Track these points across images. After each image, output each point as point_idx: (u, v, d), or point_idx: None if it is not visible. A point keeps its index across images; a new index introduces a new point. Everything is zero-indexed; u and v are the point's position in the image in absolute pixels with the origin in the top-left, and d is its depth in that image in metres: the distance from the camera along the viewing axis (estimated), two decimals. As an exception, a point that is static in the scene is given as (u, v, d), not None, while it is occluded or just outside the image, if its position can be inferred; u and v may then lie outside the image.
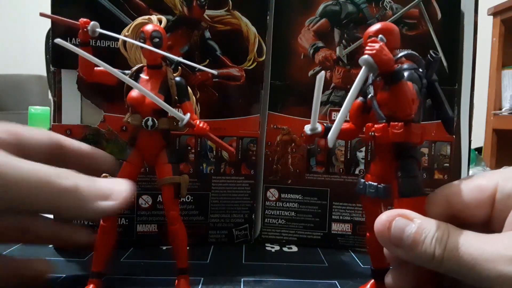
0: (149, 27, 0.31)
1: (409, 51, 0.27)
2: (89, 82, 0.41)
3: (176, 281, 0.33)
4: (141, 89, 0.29)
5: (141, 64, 0.32)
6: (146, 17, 0.33)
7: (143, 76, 0.31)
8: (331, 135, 0.25)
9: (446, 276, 0.25)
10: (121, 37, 0.32)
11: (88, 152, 0.34)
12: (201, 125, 0.32)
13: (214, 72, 0.33)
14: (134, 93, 0.30)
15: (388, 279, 0.27)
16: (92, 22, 0.31)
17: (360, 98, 0.29)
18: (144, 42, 0.30)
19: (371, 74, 0.26)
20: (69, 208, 0.26)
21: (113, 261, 0.39)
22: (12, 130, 0.28)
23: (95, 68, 0.30)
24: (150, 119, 0.30)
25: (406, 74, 0.26)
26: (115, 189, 0.27)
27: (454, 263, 0.22)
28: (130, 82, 0.29)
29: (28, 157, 0.26)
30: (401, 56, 0.26)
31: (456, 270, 0.22)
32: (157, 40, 0.30)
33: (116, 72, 0.28)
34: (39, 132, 0.30)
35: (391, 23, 0.27)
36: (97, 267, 0.31)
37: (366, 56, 0.24)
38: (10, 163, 0.24)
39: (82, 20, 0.31)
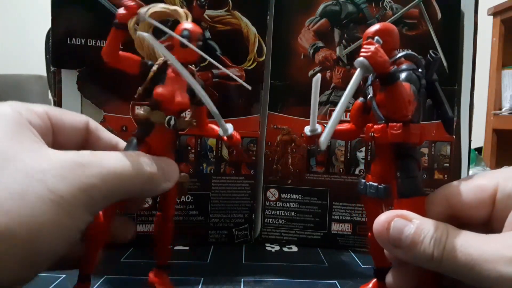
0: (194, 28, 0.29)
1: (409, 52, 0.27)
2: (89, 82, 0.41)
3: (156, 275, 0.32)
4: (202, 94, 0.27)
5: (164, 59, 0.30)
6: (171, 7, 0.30)
7: (169, 72, 0.29)
8: (323, 138, 0.25)
9: (446, 276, 0.25)
10: (171, 32, 0.28)
11: (115, 148, 0.32)
12: (238, 136, 0.32)
13: (246, 85, 0.31)
14: (162, 89, 0.28)
15: (389, 278, 0.27)
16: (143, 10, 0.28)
17: (361, 99, 0.29)
18: (188, 41, 0.28)
19: (371, 75, 0.26)
20: (146, 192, 0.27)
21: (113, 261, 0.39)
22: (48, 114, 0.26)
23: (120, 52, 0.28)
24: (173, 118, 0.29)
25: (404, 74, 0.26)
26: (172, 170, 0.28)
27: (453, 263, 0.22)
28: (197, 88, 0.27)
29: (61, 145, 0.26)
30: (400, 57, 0.26)
31: (455, 271, 0.22)
32: (200, 43, 0.28)
33: (186, 74, 0.27)
34: (76, 119, 0.28)
35: (390, 24, 0.27)
36: (88, 269, 0.29)
37: (361, 58, 0.24)
38: (108, 160, 0.24)
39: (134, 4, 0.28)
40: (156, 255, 0.32)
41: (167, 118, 0.29)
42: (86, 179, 0.22)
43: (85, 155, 0.23)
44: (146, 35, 0.26)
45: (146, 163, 0.25)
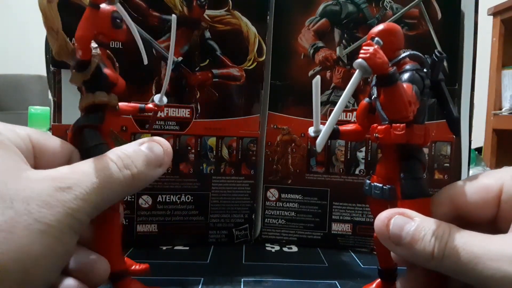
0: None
1: (413, 52, 0.26)
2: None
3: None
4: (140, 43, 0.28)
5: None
6: None
7: (105, 58, 0.28)
8: (319, 140, 0.25)
9: (455, 282, 0.25)
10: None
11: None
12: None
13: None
14: (112, 72, 0.28)
15: (398, 286, 0.27)
16: None
17: (366, 99, 0.28)
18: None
19: (375, 75, 0.26)
20: (138, 188, 0.26)
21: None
22: (31, 137, 0.25)
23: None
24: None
25: (406, 75, 0.26)
26: (166, 153, 0.27)
27: (454, 262, 0.21)
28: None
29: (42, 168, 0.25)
30: (404, 57, 0.26)
31: (456, 269, 0.21)
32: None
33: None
34: (59, 147, 0.27)
35: (394, 24, 0.27)
36: (119, 264, 0.28)
37: (359, 59, 0.24)
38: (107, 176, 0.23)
39: None
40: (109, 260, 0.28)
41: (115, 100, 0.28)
42: (70, 203, 0.21)
43: (65, 176, 0.22)
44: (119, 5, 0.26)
45: (128, 163, 0.25)
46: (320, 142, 0.25)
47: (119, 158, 0.25)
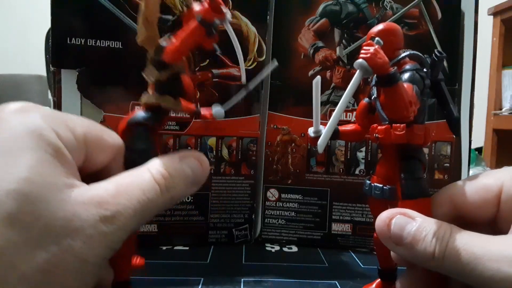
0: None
1: (413, 51, 0.26)
2: (89, 82, 0.41)
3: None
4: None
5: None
6: None
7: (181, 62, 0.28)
8: (321, 140, 0.25)
9: (455, 283, 0.25)
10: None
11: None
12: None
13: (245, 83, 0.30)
14: (189, 79, 0.27)
15: (398, 286, 0.27)
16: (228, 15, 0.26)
17: (366, 99, 0.28)
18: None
19: (375, 75, 0.26)
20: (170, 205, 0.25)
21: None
22: (86, 137, 0.23)
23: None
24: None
25: (407, 75, 0.26)
26: (204, 173, 0.26)
27: (455, 262, 0.21)
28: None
29: (89, 165, 0.24)
30: (404, 57, 0.26)
31: (457, 270, 0.21)
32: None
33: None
34: (112, 142, 0.25)
35: (394, 24, 0.27)
36: (126, 274, 0.28)
37: (360, 60, 0.24)
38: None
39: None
40: (115, 270, 0.27)
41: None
42: (112, 236, 0.21)
43: (110, 201, 0.21)
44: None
45: (170, 185, 0.24)
46: (321, 143, 0.25)
47: (163, 178, 0.24)
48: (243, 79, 0.29)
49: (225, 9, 0.25)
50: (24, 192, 0.19)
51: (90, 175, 0.24)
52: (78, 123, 0.23)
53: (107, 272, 0.26)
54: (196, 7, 0.25)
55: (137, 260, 0.30)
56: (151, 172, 0.24)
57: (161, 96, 0.26)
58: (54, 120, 0.22)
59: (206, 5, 0.25)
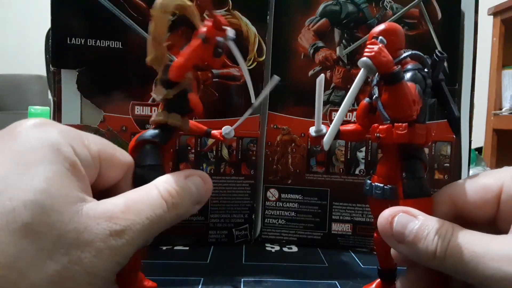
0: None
1: (414, 51, 0.27)
2: (89, 82, 0.41)
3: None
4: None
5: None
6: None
7: (189, 79, 0.28)
8: (326, 139, 0.25)
9: (456, 282, 0.25)
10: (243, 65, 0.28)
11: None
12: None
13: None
14: (196, 97, 0.27)
15: (398, 285, 0.27)
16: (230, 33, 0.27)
17: (367, 99, 0.28)
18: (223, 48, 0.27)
19: (376, 75, 0.26)
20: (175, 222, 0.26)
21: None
22: (100, 154, 0.24)
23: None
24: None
25: (409, 74, 0.26)
26: (207, 192, 0.27)
27: (456, 261, 0.21)
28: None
29: (101, 183, 0.24)
30: (405, 56, 0.26)
31: (458, 268, 0.22)
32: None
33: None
34: (123, 160, 0.26)
35: (395, 24, 0.27)
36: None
37: (364, 58, 0.24)
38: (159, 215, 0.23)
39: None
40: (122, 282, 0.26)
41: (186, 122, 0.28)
42: (121, 250, 0.21)
43: (120, 216, 0.22)
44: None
45: (177, 203, 0.24)
46: (327, 140, 0.25)
47: (170, 195, 0.24)
48: (252, 98, 0.30)
49: (228, 28, 0.26)
50: (40, 203, 0.19)
51: (102, 192, 0.24)
52: (93, 141, 0.24)
53: None
54: (202, 27, 0.26)
55: (148, 284, 0.31)
56: (159, 189, 0.24)
57: (169, 114, 0.27)
58: (70, 136, 0.22)
59: (209, 23, 0.26)
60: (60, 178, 0.20)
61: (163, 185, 0.25)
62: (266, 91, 0.29)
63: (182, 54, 0.26)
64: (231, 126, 0.32)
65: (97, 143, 0.24)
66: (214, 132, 0.32)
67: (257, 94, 0.30)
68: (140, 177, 0.26)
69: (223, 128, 0.32)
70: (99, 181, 0.24)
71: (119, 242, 0.21)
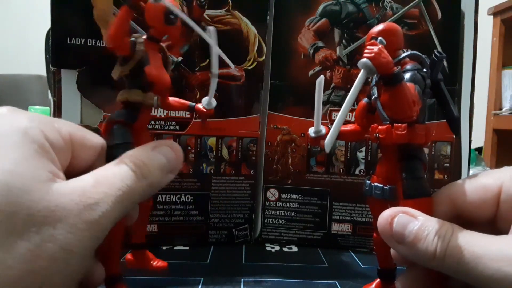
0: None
1: (413, 52, 0.27)
2: (89, 82, 0.41)
3: (135, 255, 0.32)
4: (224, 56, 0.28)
5: (140, 37, 0.28)
6: None
7: (150, 50, 0.27)
8: (328, 140, 0.25)
9: (455, 282, 0.24)
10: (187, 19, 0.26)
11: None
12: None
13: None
14: (155, 70, 0.27)
15: (398, 284, 0.27)
16: None
17: (365, 99, 0.28)
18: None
19: (375, 75, 0.26)
20: (148, 196, 0.26)
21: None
22: (72, 136, 0.24)
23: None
24: (158, 98, 0.28)
25: (408, 75, 0.26)
26: (178, 159, 0.27)
27: (456, 261, 0.21)
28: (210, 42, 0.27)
29: (75, 165, 0.25)
30: (404, 57, 0.26)
31: (457, 269, 0.22)
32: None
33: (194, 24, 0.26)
34: (95, 141, 0.26)
35: (394, 24, 0.27)
36: (116, 267, 0.28)
37: (364, 59, 0.24)
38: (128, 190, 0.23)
39: None
40: (132, 234, 0.30)
41: (155, 98, 0.28)
42: (96, 223, 0.21)
43: (92, 190, 0.22)
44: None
45: (146, 172, 0.25)
46: (328, 142, 0.25)
47: (137, 166, 0.24)
48: (231, 65, 0.31)
49: None
50: (6, 183, 0.19)
51: (77, 175, 0.24)
52: (63, 124, 0.24)
53: (95, 266, 0.26)
54: None
55: (158, 263, 0.31)
56: (125, 162, 0.24)
57: (130, 90, 0.27)
58: (40, 121, 0.23)
59: None
60: (28, 160, 0.20)
61: (130, 158, 0.25)
62: (215, 50, 0.29)
63: (111, 23, 0.26)
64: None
65: (67, 126, 0.24)
66: (198, 105, 0.32)
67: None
68: (109, 157, 0.26)
69: (202, 100, 0.31)
70: (73, 163, 0.24)
71: (94, 215, 0.21)
